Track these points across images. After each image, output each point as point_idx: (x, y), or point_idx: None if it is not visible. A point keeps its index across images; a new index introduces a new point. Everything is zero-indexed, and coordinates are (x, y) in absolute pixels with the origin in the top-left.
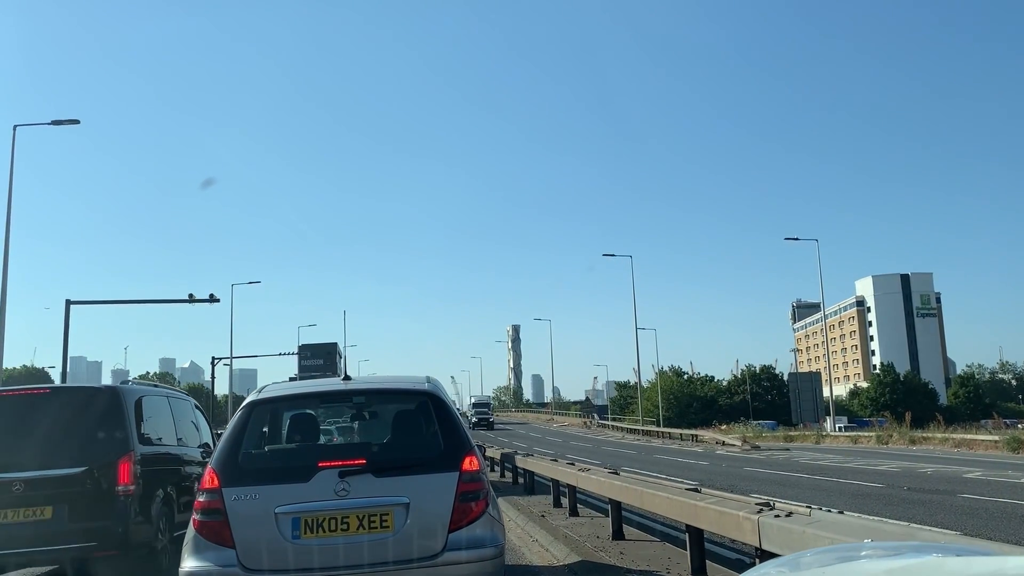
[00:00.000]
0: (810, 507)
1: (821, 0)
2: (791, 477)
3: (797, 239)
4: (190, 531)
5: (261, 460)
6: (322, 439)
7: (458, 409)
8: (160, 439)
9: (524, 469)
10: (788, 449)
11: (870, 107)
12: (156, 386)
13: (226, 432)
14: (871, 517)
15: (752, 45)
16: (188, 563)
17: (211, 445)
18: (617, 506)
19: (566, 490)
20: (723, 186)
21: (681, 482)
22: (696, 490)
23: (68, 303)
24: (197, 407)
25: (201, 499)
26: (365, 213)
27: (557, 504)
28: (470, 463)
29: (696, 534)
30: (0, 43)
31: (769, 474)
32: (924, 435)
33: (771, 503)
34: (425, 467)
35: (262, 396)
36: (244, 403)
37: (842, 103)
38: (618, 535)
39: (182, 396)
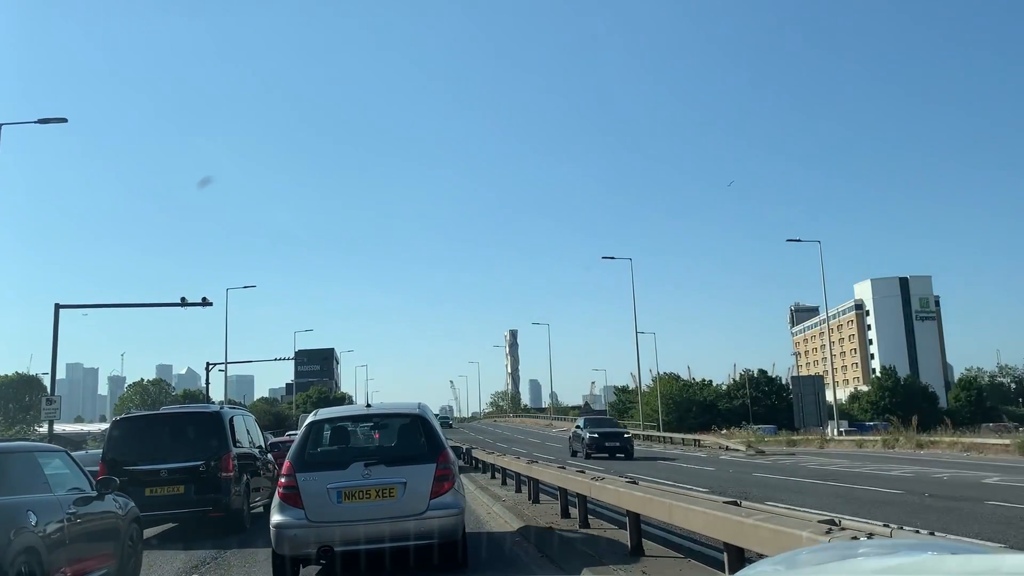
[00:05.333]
0: (888, 525)
1: (821, 10)
2: (804, 483)
3: (799, 240)
4: (275, 499)
5: (318, 456)
6: (353, 443)
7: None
8: (242, 443)
9: (528, 477)
10: (793, 454)
11: (868, 113)
12: (236, 407)
13: (297, 439)
14: (954, 537)
15: (751, 52)
16: (275, 517)
17: (263, 446)
18: (636, 519)
19: (575, 500)
20: (721, 191)
21: (699, 490)
22: (735, 503)
23: (57, 307)
24: (255, 420)
25: (283, 480)
26: (362, 218)
27: (565, 515)
28: (443, 458)
29: (736, 553)
30: None
31: (780, 480)
32: (931, 439)
33: (837, 520)
34: (416, 460)
35: (317, 418)
36: (306, 422)
37: (840, 109)
38: (637, 551)
39: (248, 414)
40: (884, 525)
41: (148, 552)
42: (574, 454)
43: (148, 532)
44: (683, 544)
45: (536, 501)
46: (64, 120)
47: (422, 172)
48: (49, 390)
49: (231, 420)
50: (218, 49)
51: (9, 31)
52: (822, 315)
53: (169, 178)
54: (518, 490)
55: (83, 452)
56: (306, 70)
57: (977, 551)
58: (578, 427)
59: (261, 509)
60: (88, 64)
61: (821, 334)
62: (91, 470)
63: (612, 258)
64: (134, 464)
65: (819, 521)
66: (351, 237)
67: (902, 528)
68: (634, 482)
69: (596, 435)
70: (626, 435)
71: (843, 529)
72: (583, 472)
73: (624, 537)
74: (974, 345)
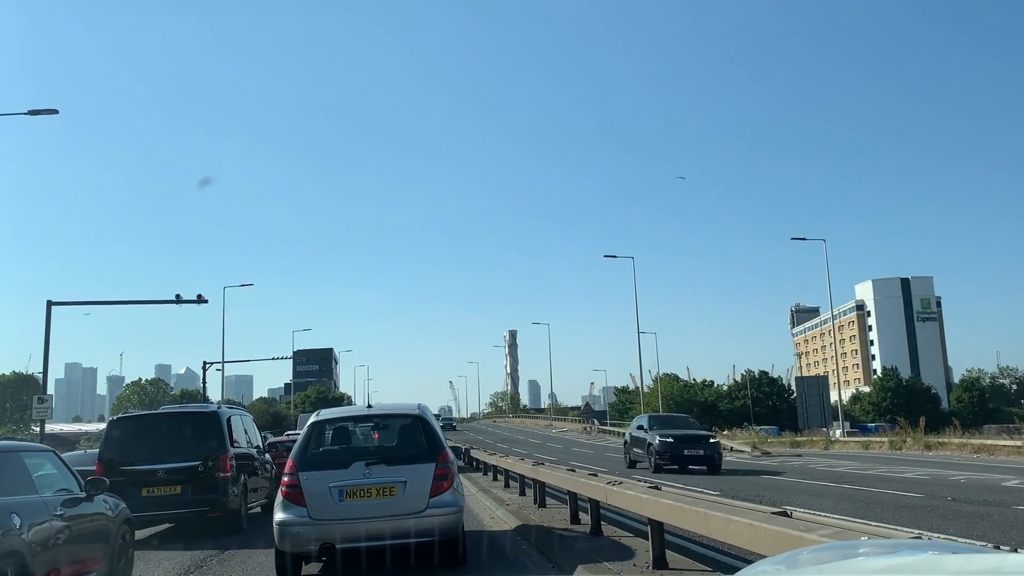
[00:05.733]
0: (1001, 548)
1: (822, 9)
2: (816, 486)
3: (804, 239)
4: (279, 497)
5: (320, 455)
6: (354, 443)
7: (437, 416)
8: (239, 443)
9: (534, 480)
10: (800, 455)
11: (870, 113)
12: (233, 407)
13: (299, 439)
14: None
15: (751, 51)
16: (279, 515)
17: (261, 446)
18: (659, 528)
19: (587, 506)
20: (721, 192)
21: (709, 493)
22: (785, 513)
23: (49, 304)
24: (253, 420)
25: (286, 479)
26: (362, 218)
27: (575, 520)
28: (442, 457)
29: None
30: None
31: (792, 483)
32: (940, 440)
33: (925, 537)
34: (416, 459)
35: (320, 418)
36: (309, 422)
37: (841, 110)
38: (660, 563)
39: (246, 413)
40: (996, 547)
41: (145, 552)
42: (632, 465)
43: (145, 532)
44: (710, 556)
45: (543, 505)
46: (55, 111)
47: (422, 171)
48: (42, 388)
49: (228, 420)
50: (218, 47)
51: (11, 26)
52: (825, 315)
53: (169, 176)
54: (522, 493)
55: (81, 452)
56: (307, 69)
57: (978, 551)
58: (640, 428)
59: (259, 510)
60: (90, 61)
61: (822, 335)
62: (88, 470)
63: (614, 256)
64: (131, 464)
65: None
66: (350, 236)
67: (1017, 551)
68: (656, 487)
69: (670, 440)
70: (712, 440)
71: None
72: (595, 475)
73: (640, 545)
74: (973, 346)
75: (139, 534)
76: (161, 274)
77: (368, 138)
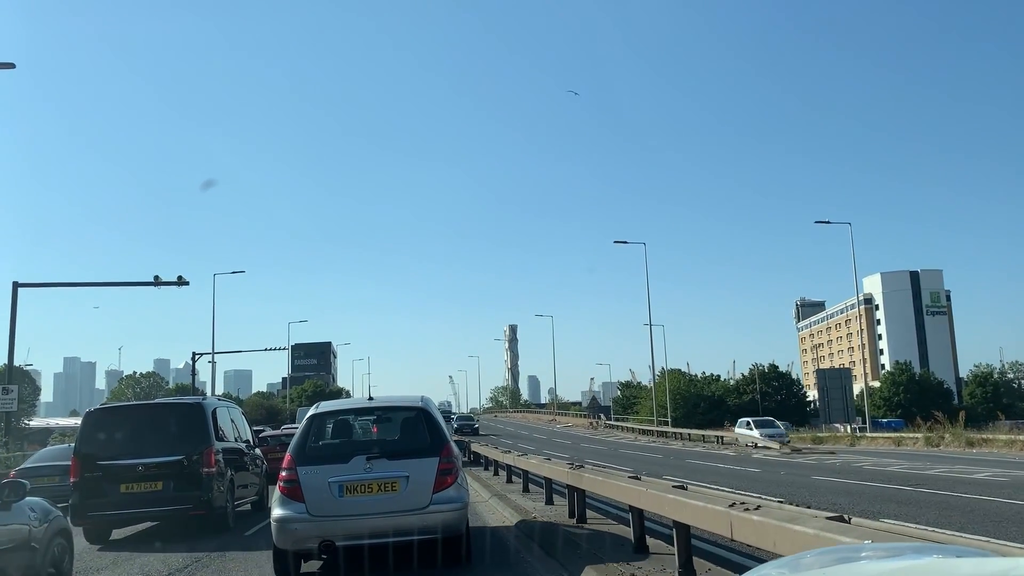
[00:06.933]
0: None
1: (833, 4)
2: (887, 490)
3: (829, 222)
4: (276, 493)
5: (319, 449)
6: (355, 436)
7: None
8: (226, 437)
9: (569, 486)
10: (833, 452)
11: (879, 107)
12: (221, 400)
13: (298, 432)
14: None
15: (756, 44)
16: (276, 511)
17: (251, 441)
18: None
19: (673, 532)
20: (724, 187)
21: (771, 499)
22: None
23: (15, 285)
24: (242, 413)
25: (284, 474)
26: (363, 212)
27: (640, 549)
28: (446, 452)
29: None
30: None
31: (853, 486)
32: (984, 436)
33: None
34: (418, 454)
35: (319, 411)
36: (308, 415)
37: (849, 102)
38: None
39: (234, 406)
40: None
41: (131, 554)
42: None
43: (123, 532)
44: None
45: (582, 520)
46: (11, 66)
47: (424, 169)
48: (7, 377)
49: (214, 412)
50: (224, 47)
51: (22, 25)
52: (835, 307)
53: (169, 169)
54: (549, 501)
55: (64, 446)
56: (308, 65)
57: (985, 554)
58: None
59: (248, 507)
60: (96, 57)
61: (829, 328)
62: (64, 465)
63: (625, 242)
64: (109, 459)
65: None
66: (351, 231)
67: None
68: (841, 517)
69: None
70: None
71: None
72: (684, 488)
73: None
74: (977, 342)
75: (119, 533)
76: (165, 269)
77: (371, 136)
